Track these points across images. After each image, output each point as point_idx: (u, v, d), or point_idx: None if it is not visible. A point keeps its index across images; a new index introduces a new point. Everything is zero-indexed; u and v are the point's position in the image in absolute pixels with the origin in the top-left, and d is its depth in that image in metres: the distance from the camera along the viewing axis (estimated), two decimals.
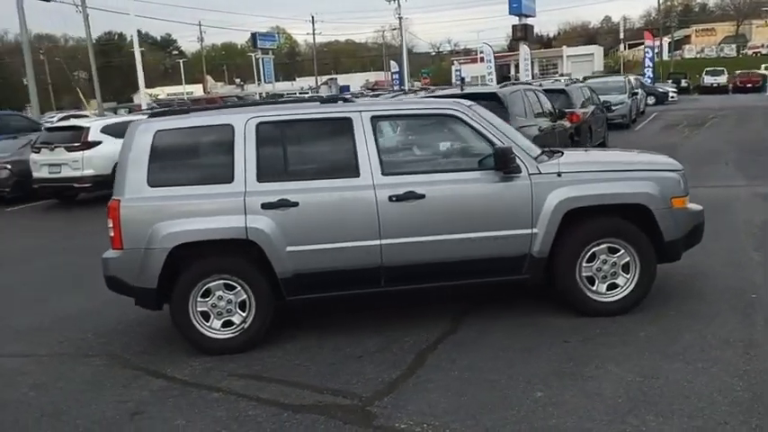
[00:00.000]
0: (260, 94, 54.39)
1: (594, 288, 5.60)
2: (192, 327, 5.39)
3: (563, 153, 6.04)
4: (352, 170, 5.38)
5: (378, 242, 5.36)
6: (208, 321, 5.41)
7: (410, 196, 5.36)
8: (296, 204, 5.31)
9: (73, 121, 15.85)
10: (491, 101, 9.13)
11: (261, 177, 5.35)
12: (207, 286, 5.38)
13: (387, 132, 5.79)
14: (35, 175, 14.89)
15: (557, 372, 4.66)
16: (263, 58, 61.22)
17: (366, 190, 5.34)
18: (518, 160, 5.44)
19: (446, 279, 5.53)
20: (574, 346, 5.08)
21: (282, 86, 70.07)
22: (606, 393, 4.30)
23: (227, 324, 5.43)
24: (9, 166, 15.63)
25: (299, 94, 48.54)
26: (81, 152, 14.55)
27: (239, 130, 5.38)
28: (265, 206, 5.28)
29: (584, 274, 5.58)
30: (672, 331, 5.21)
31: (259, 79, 65.67)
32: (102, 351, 5.73)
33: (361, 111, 5.51)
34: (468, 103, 5.89)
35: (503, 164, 5.29)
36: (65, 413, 4.64)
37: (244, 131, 5.38)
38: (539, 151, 5.87)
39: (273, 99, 6.70)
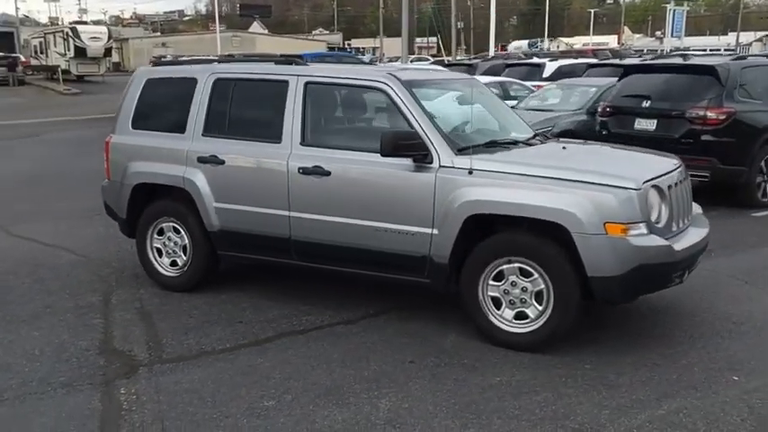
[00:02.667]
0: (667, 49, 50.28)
1: (500, 312, 4.67)
2: (149, 261, 5.97)
3: (531, 144, 5.11)
4: (276, 135, 5.29)
5: (287, 213, 5.24)
6: (161, 257, 5.94)
7: (316, 171, 5.09)
8: (222, 162, 5.46)
9: None
10: None
11: (204, 131, 5.60)
12: (159, 226, 5.89)
13: (329, 101, 5.45)
14: None
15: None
16: (674, 10, 56.72)
17: (282, 158, 5.23)
18: (432, 150, 4.74)
19: (349, 265, 5.16)
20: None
21: (696, 42, 63.86)
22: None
23: (174, 264, 5.89)
24: None
25: (710, 51, 43.63)
26: None
27: (200, 83, 5.66)
28: (200, 160, 5.54)
29: (489, 294, 4.68)
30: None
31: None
32: None
33: (298, 75, 5.33)
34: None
35: (386, 149, 4.66)
36: None
37: (203, 85, 5.64)
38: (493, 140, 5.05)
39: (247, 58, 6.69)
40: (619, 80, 10.25)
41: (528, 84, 15.10)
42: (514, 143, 5.19)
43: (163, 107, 5.96)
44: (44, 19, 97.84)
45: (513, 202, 4.48)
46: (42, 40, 46.81)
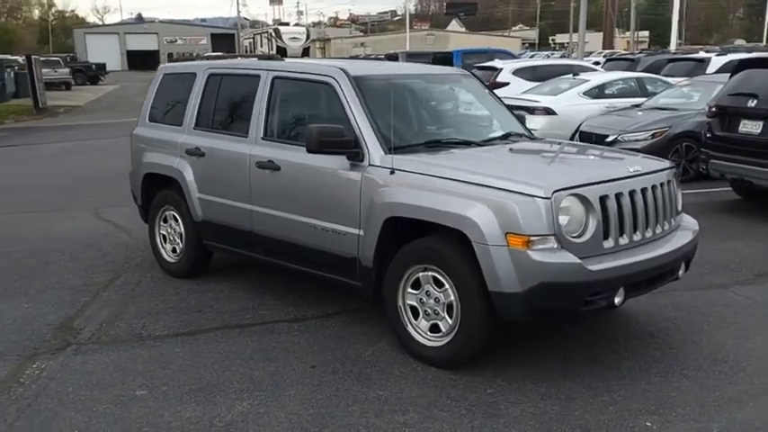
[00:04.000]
0: None
1: (417, 323, 4.35)
2: (156, 247, 6.32)
3: (482, 145, 4.79)
4: (245, 129, 5.35)
5: (249, 207, 5.28)
6: (165, 243, 6.25)
7: (269, 166, 5.07)
8: (203, 155, 5.62)
9: (497, 62, 16.69)
10: None
11: (195, 125, 5.80)
12: (164, 214, 6.20)
13: (290, 96, 5.33)
14: None
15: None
16: None
17: (246, 152, 5.27)
18: (364, 148, 4.53)
19: (297, 263, 5.08)
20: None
21: None
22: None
23: (174, 251, 6.17)
24: None
25: None
26: None
27: (198, 78, 5.87)
28: (188, 152, 5.75)
29: (408, 302, 4.38)
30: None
31: None
32: None
33: (268, 70, 5.33)
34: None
35: (310, 145, 4.48)
36: None
37: (200, 80, 5.85)
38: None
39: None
40: (731, 75, 9.01)
41: (672, 80, 13.74)
42: (464, 143, 4.80)
43: (171, 101, 6.24)
44: (269, 22, 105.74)
45: (422, 205, 4.16)
46: (252, 40, 50.79)
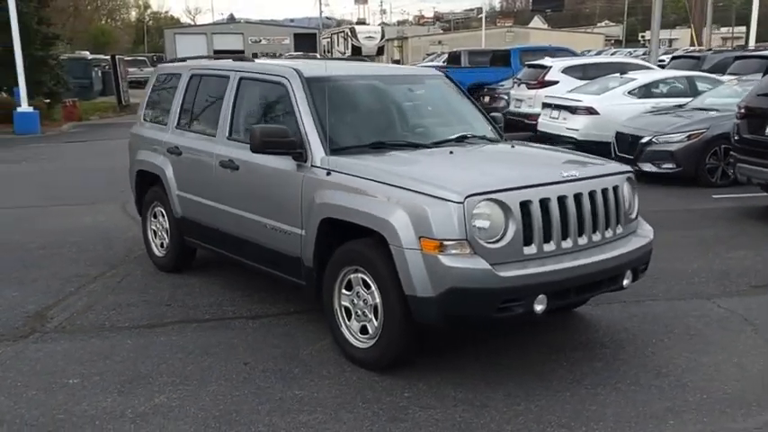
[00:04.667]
0: None
1: (350, 324, 4.35)
2: (147, 241, 6.54)
3: (429, 147, 4.77)
4: (214, 129, 5.47)
5: (216, 205, 5.41)
6: (155, 238, 6.46)
7: (229, 165, 5.18)
8: (180, 153, 5.79)
9: (546, 60, 16.26)
10: None
11: (178, 124, 5.97)
12: (154, 210, 6.41)
13: (252, 97, 5.38)
14: (509, 108, 16.25)
15: None
16: None
17: (213, 151, 5.39)
18: (308, 149, 4.56)
19: (255, 261, 5.16)
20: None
21: None
22: None
23: (162, 245, 6.37)
24: None
25: None
26: (535, 90, 15.21)
27: (182, 78, 6.04)
28: (169, 150, 5.93)
29: (342, 303, 4.39)
30: None
31: None
32: None
33: (236, 70, 5.43)
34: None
35: (253, 145, 4.53)
36: None
37: (183, 80, 6.02)
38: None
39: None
40: (765, 74, 8.53)
41: (727, 78, 13.07)
42: (410, 145, 4.76)
43: (161, 101, 6.45)
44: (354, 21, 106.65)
45: (349, 207, 4.17)
46: (329, 40, 51.42)
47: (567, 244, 4.04)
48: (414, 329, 4.04)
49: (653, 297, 5.49)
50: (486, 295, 3.75)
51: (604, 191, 4.24)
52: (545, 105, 13.45)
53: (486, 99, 17.14)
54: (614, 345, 4.63)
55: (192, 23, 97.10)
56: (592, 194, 4.16)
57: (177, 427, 3.66)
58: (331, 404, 3.86)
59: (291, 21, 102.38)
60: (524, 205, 3.88)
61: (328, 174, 4.38)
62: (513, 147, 5.03)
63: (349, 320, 4.36)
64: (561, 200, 4.01)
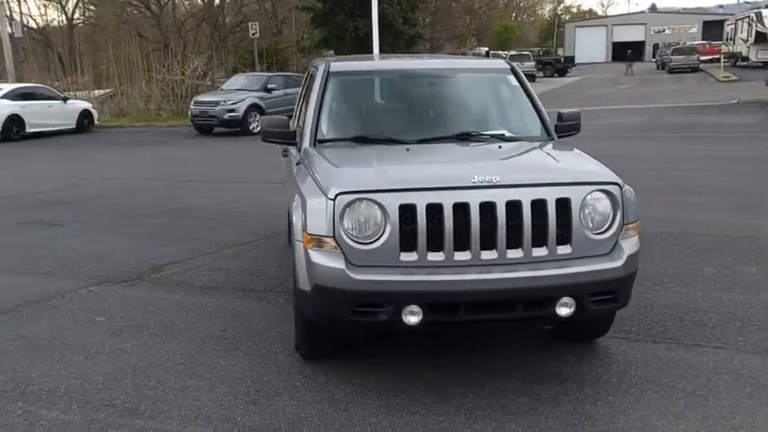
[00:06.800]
0: None
1: None
2: None
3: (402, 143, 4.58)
4: None
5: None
6: None
7: (284, 154, 5.65)
8: None
9: None
10: None
11: None
12: None
13: None
14: None
15: None
16: None
17: None
18: (299, 139, 4.84)
19: None
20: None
21: None
22: None
23: None
24: None
25: None
26: None
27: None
28: None
29: None
30: None
31: None
32: None
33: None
34: None
35: (262, 134, 4.95)
36: None
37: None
38: None
39: None
40: None
41: None
42: (389, 141, 4.59)
43: None
44: None
45: (288, 200, 4.34)
46: (733, 26, 46.47)
47: (464, 256, 3.61)
48: (316, 325, 4.04)
49: (639, 337, 4.60)
50: (341, 296, 3.59)
51: (538, 203, 3.65)
52: None
53: None
54: (603, 385, 3.94)
55: (603, 15, 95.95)
56: (514, 205, 3.63)
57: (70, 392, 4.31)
58: (226, 375, 4.13)
59: (721, 7, 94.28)
60: (406, 209, 3.60)
61: (298, 164, 4.58)
62: (499, 148, 4.51)
63: None
64: (460, 207, 3.61)
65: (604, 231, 3.79)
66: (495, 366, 4.16)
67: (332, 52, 30.33)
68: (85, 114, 22.47)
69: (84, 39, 37.41)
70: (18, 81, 24.84)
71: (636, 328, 4.71)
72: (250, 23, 29.56)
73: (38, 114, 20.53)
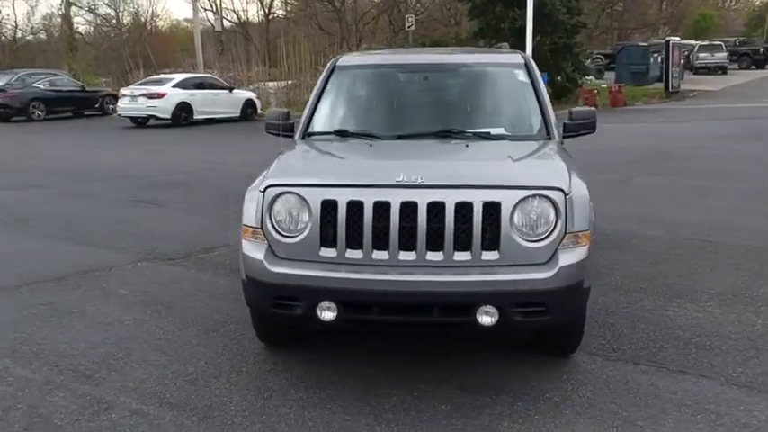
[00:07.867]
0: None
1: None
2: None
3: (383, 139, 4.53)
4: None
5: None
6: None
7: None
8: None
9: None
10: None
11: None
12: None
13: None
14: None
15: None
16: None
17: None
18: (294, 131, 4.93)
19: None
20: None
21: None
22: None
23: None
24: None
25: None
26: None
27: None
28: None
29: None
30: None
31: None
32: None
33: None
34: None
35: (266, 126, 5.06)
36: None
37: None
38: None
39: None
40: None
41: None
42: (367, 135, 4.53)
43: None
44: None
45: None
46: None
47: (383, 255, 3.53)
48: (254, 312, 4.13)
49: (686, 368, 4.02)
50: (262, 288, 3.67)
51: (464, 205, 3.48)
52: None
53: None
54: (539, 403, 3.70)
55: None
56: (437, 206, 3.49)
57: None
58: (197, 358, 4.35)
59: None
60: (328, 204, 3.59)
61: (281, 154, 4.68)
62: (467, 146, 4.28)
63: None
64: (381, 206, 3.53)
65: (541, 239, 3.54)
66: (440, 372, 4.02)
67: (506, 44, 29.71)
68: (249, 104, 23.98)
69: (276, 33, 39.83)
70: (205, 72, 27.13)
71: (626, 347, 4.33)
72: (406, 16, 29.93)
73: (205, 102, 22.28)
